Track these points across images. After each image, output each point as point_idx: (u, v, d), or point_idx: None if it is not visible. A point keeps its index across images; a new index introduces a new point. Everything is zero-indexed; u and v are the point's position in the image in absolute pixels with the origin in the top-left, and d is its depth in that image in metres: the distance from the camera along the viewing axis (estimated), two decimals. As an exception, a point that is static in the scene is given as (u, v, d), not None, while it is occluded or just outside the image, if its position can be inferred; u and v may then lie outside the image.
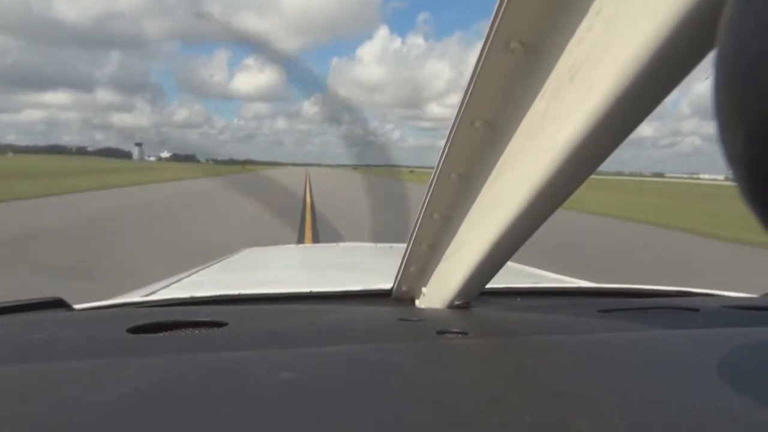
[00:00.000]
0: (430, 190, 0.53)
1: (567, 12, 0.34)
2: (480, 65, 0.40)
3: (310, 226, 8.70)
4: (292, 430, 0.26)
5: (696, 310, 0.61)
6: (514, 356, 0.40)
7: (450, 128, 0.46)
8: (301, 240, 7.05)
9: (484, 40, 0.38)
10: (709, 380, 0.34)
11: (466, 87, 0.42)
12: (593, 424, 0.27)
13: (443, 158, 0.48)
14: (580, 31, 0.33)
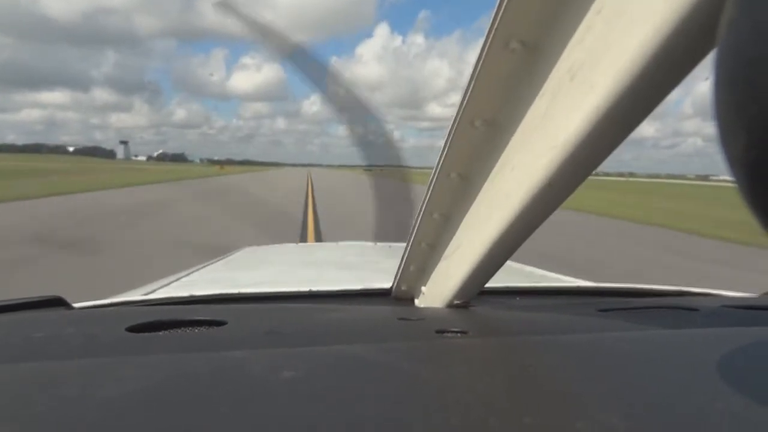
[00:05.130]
0: (430, 190, 0.53)
1: (567, 11, 0.34)
2: (480, 64, 0.40)
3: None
4: (291, 429, 0.26)
5: (696, 309, 0.61)
6: (513, 356, 0.40)
7: (450, 127, 0.46)
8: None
9: (484, 39, 0.38)
10: (709, 380, 0.34)
11: (466, 86, 0.42)
12: (592, 424, 0.27)
13: (443, 157, 0.48)
14: (581, 31, 0.33)
